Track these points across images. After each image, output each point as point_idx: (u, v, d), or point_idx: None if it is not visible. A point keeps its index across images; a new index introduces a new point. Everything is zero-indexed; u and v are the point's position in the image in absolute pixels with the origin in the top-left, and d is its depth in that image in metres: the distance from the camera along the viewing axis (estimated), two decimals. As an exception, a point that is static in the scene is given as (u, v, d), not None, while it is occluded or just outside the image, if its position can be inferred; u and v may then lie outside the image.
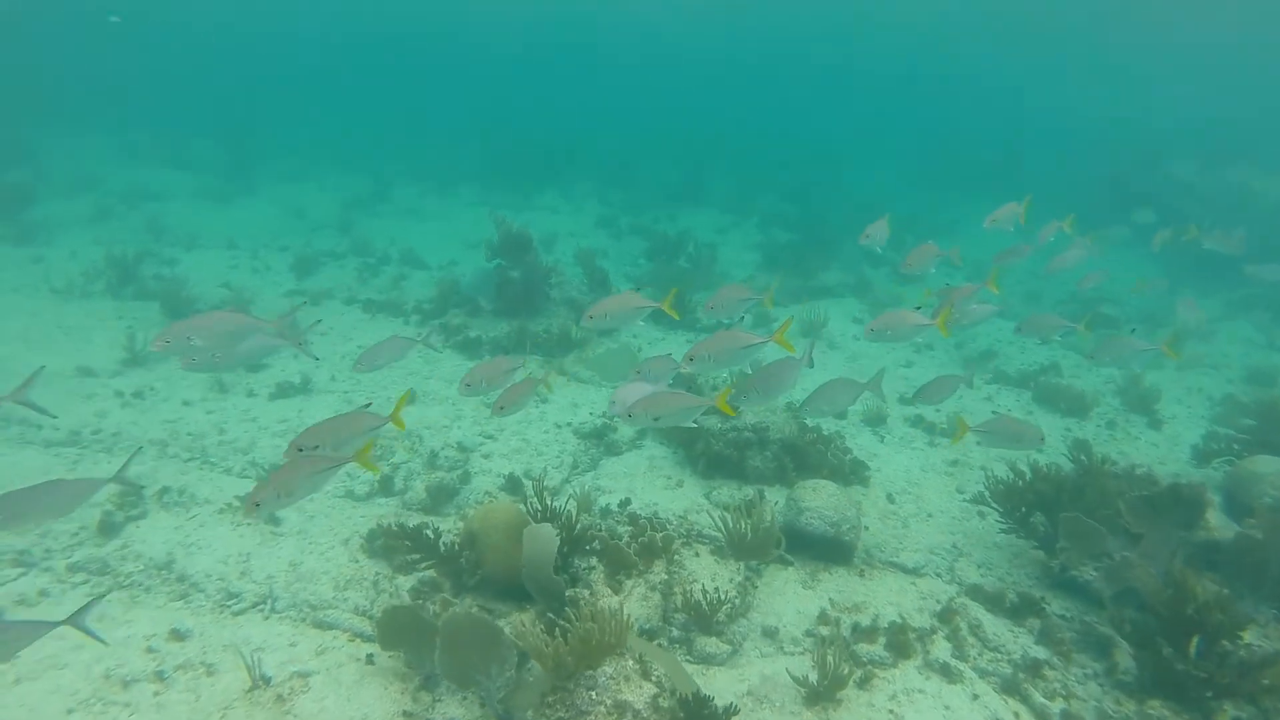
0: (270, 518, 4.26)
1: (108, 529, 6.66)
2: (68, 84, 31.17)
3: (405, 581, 5.98)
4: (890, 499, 7.93)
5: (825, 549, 6.74)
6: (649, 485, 7.88)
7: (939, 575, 6.74)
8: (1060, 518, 5.83)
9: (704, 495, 7.75)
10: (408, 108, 36.60)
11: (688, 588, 5.95)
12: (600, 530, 6.21)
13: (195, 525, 6.80)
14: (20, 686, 4.92)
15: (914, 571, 6.76)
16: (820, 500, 6.82)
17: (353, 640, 5.51)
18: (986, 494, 7.08)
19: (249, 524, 6.76)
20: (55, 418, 7.32)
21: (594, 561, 5.84)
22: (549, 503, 5.86)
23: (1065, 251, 10.28)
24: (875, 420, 9.66)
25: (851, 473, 8.15)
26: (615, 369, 10.17)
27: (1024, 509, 6.66)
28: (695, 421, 8.19)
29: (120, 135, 25.36)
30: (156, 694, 4.89)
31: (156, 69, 38.13)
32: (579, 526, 5.86)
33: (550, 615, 5.20)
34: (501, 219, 11.89)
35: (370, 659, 5.16)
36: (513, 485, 7.65)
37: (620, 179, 25.54)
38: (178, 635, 5.37)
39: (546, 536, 5.15)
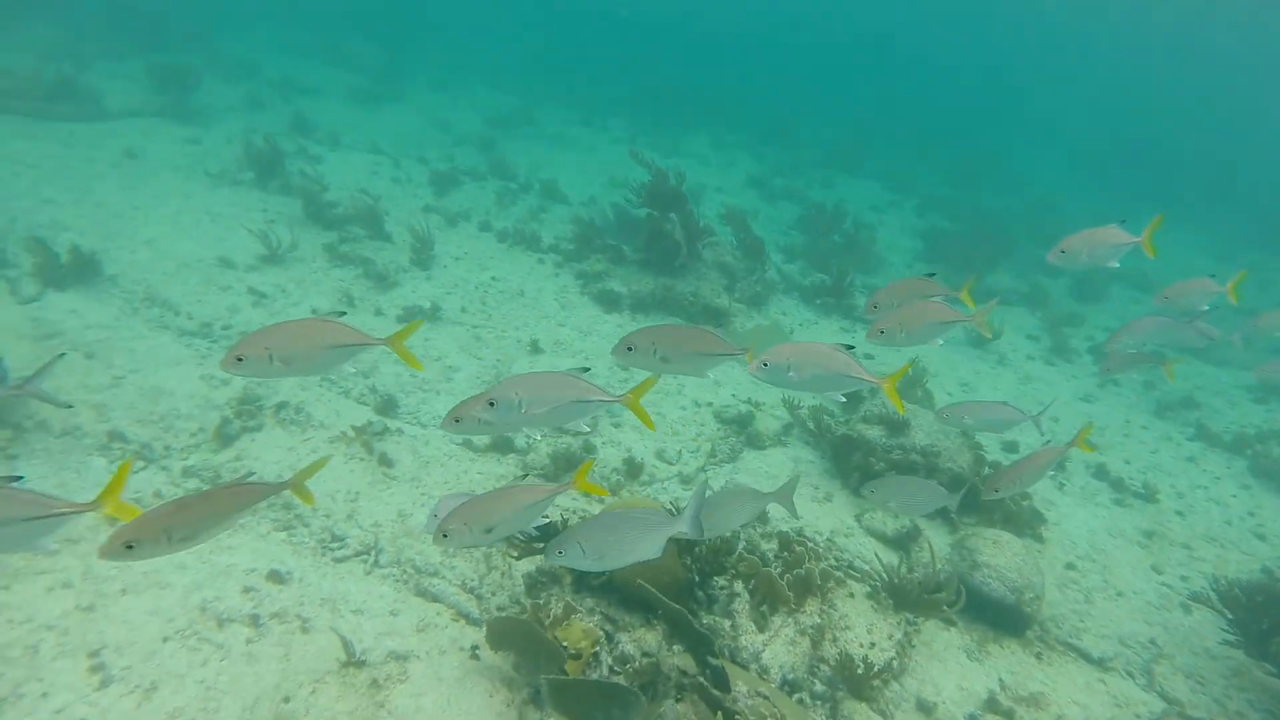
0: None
1: (224, 437, 6.33)
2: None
3: (521, 564, 5.33)
4: (1071, 565, 6.73)
5: (997, 615, 5.71)
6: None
7: (1132, 676, 5.59)
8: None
9: (854, 517, 6.79)
10: (566, 28, 35.70)
11: (839, 636, 5.08)
12: (741, 544, 5.41)
13: (308, 449, 6.38)
14: (125, 599, 4.58)
15: (1101, 664, 5.63)
16: (1002, 558, 5.76)
17: (457, 620, 4.92)
18: (1214, 595, 5.81)
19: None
20: (70, 406, 6.26)
21: (738, 586, 5.01)
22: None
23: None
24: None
25: (1026, 524, 6.99)
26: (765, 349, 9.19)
27: (1265, 625, 5.38)
28: (854, 432, 7.18)
29: (285, 28, 25.60)
30: (249, 641, 4.44)
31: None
32: (722, 546, 5.05)
33: (682, 645, 4.45)
34: (659, 168, 10.96)
35: (475, 652, 4.54)
36: (631, 469, 6.85)
37: (776, 134, 23.99)
38: (277, 578, 4.91)
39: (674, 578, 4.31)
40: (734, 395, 8.41)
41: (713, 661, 3.99)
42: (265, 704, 4.00)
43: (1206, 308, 5.75)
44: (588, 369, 3.59)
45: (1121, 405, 10.39)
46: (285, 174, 12.39)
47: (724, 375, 8.80)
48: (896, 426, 7.27)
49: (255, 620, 4.57)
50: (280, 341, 3.33)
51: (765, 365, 3.78)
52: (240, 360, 3.26)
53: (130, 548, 2.83)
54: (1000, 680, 5.25)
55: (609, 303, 9.94)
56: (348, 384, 7.49)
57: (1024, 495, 7.04)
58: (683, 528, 3.41)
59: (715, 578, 5.03)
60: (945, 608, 5.37)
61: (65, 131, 12.44)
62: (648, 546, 3.40)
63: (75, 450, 5.92)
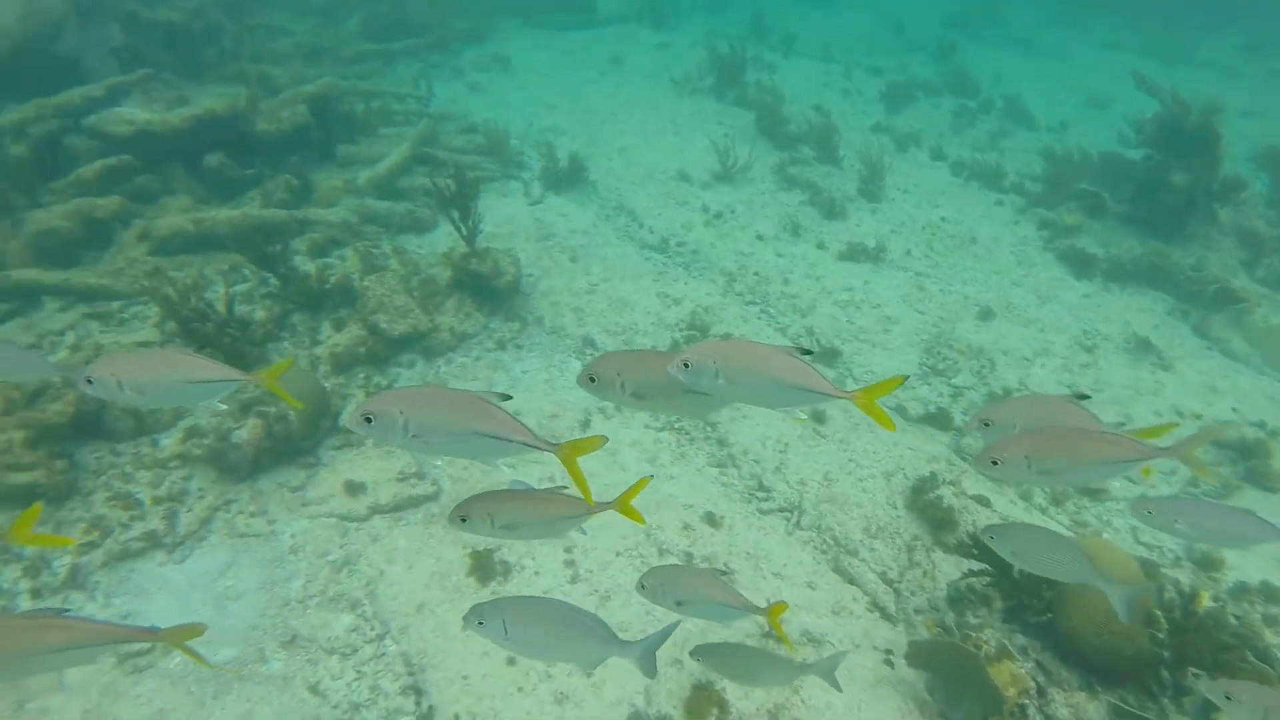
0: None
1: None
2: None
3: (943, 560, 4.99)
4: None
5: None
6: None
7: None
8: None
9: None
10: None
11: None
12: (1231, 623, 4.37)
13: (744, 386, 6.62)
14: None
15: None
16: None
17: (871, 610, 4.81)
18: None
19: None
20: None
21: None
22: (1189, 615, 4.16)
23: None
24: None
25: None
26: None
27: None
28: None
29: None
30: (681, 575, 4.85)
31: None
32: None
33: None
34: (1178, 98, 8.80)
35: (889, 658, 4.40)
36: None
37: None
38: (711, 520, 5.25)
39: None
40: (1233, 408, 6.73)
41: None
42: (697, 649, 4.35)
43: None
44: (509, 397, 2.76)
45: None
46: (742, 84, 12.62)
47: (1223, 385, 7.05)
48: None
49: (689, 558, 4.96)
50: (131, 369, 3.05)
51: (686, 366, 2.77)
52: (90, 382, 3.04)
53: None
54: None
55: (1079, 265, 8.48)
56: (784, 320, 7.58)
57: None
58: (628, 657, 2.96)
59: (1191, 667, 4.15)
60: None
61: (567, 40, 14.14)
62: (579, 654, 2.98)
63: (559, 349, 6.91)
